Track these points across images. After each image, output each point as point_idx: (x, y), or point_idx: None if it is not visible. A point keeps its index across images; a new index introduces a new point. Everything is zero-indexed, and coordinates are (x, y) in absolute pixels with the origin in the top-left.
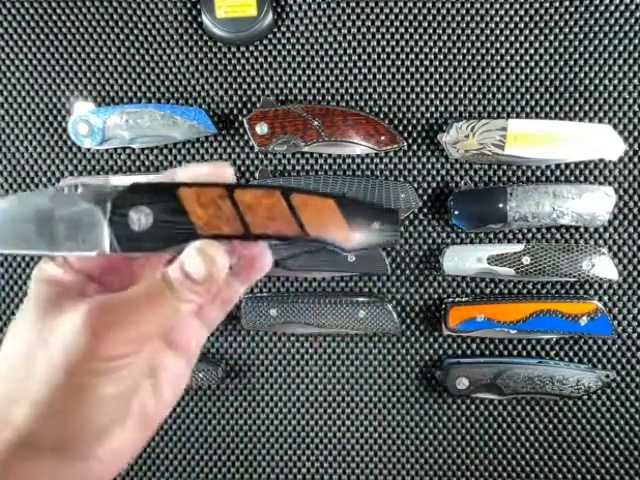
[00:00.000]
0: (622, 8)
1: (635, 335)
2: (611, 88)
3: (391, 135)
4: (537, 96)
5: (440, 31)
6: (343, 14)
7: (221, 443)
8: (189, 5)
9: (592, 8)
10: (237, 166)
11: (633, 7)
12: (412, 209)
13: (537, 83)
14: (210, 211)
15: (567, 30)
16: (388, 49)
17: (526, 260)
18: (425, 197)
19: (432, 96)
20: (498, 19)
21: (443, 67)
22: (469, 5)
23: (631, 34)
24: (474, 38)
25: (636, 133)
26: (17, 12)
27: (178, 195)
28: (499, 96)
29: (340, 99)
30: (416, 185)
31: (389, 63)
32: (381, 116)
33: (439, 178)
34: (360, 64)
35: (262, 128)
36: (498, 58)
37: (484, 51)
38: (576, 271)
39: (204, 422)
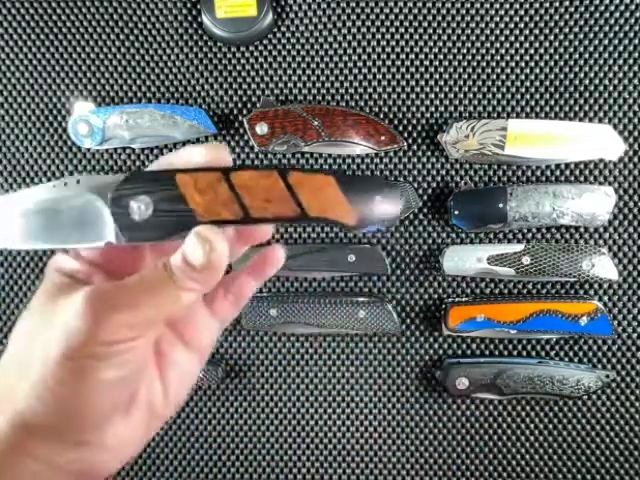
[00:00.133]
0: (622, 8)
1: (635, 335)
2: (611, 88)
3: (391, 135)
4: (537, 96)
5: (440, 31)
6: (343, 14)
7: (221, 443)
8: (189, 5)
9: (592, 8)
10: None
11: (633, 7)
12: (412, 209)
13: (537, 83)
14: (208, 196)
15: (567, 30)
16: (388, 49)
17: (526, 260)
18: (425, 197)
19: (432, 96)
20: (498, 19)
21: (443, 67)
22: (469, 5)
23: (631, 34)
24: (474, 38)
25: (636, 133)
26: (17, 12)
27: (176, 182)
28: (499, 96)
29: (340, 99)
30: (416, 185)
31: (389, 63)
32: (381, 116)
33: (439, 178)
34: (360, 64)
35: (262, 128)
36: (498, 58)
37: (484, 51)
38: (576, 271)
39: (204, 422)
